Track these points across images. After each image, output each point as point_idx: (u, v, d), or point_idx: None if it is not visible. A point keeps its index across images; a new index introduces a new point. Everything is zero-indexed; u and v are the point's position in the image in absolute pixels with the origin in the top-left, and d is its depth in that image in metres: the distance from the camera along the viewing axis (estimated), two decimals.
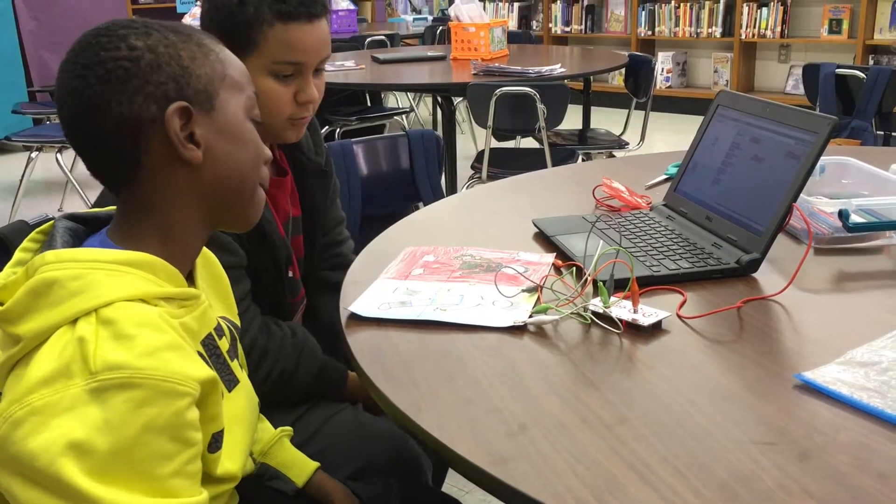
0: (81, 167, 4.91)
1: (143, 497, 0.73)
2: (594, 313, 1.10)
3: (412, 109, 5.97)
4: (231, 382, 0.93)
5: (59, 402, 0.72)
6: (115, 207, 0.91)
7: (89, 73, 0.83)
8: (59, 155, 4.36)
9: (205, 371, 0.81)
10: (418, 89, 5.63)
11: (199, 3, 5.97)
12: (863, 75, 3.28)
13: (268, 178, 0.96)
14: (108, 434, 0.72)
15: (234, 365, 0.96)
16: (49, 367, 0.74)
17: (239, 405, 0.94)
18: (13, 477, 0.73)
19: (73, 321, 0.77)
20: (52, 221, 0.89)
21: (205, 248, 1.03)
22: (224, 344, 0.95)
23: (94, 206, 1.13)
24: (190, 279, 0.94)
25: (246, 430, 0.97)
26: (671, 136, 6.07)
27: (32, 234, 0.90)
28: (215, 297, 1.03)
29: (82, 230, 0.91)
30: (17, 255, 0.87)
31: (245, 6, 1.26)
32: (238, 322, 1.07)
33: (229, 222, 0.95)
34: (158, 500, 0.74)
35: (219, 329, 0.95)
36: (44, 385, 0.73)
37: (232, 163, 0.89)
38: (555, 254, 1.33)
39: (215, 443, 0.85)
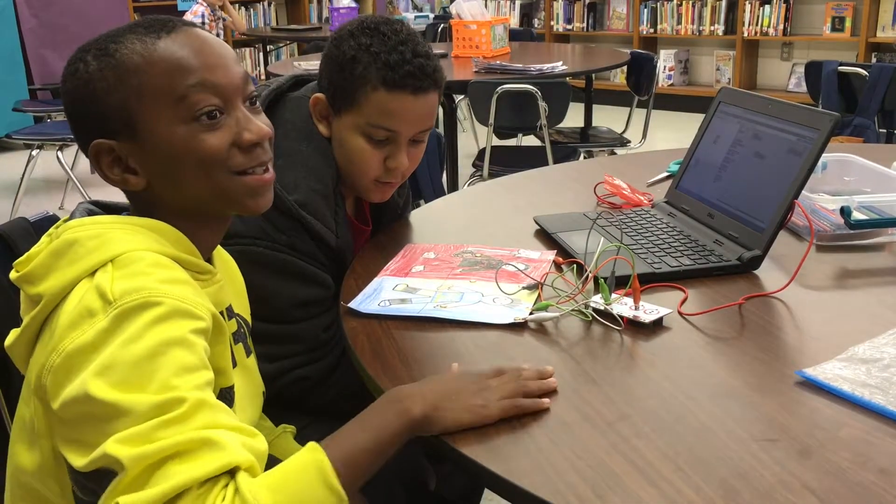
0: (82, 165, 4.94)
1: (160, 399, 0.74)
2: (595, 310, 1.09)
3: None
4: (231, 362, 0.94)
5: (87, 340, 0.75)
6: None
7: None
8: (59, 153, 4.36)
9: (213, 307, 0.84)
10: None
11: (200, 1, 5.97)
12: (865, 73, 3.27)
13: (244, 163, 0.88)
14: (129, 347, 0.74)
15: (238, 348, 0.98)
16: (73, 313, 0.77)
17: (237, 384, 0.95)
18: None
19: (92, 273, 0.80)
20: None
21: (224, 251, 1.05)
22: (232, 325, 0.96)
23: None
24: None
25: (243, 411, 0.97)
26: (673, 134, 6.06)
27: (60, 221, 0.91)
28: (231, 294, 1.03)
29: (103, 214, 0.92)
30: (44, 238, 0.89)
31: (355, 64, 1.25)
32: (249, 320, 1.08)
33: (230, 211, 0.94)
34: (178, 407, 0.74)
35: (229, 311, 0.97)
36: (71, 329, 0.77)
37: (178, 178, 0.87)
38: (556, 251, 1.33)
39: (224, 399, 0.86)
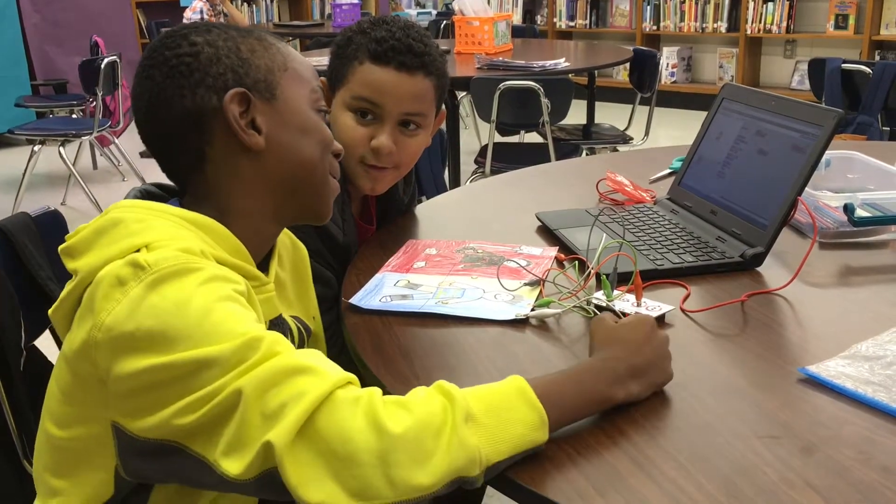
0: (84, 161, 4.94)
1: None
2: (597, 307, 1.09)
3: None
4: None
5: (122, 310, 0.74)
6: None
7: (155, 71, 0.88)
8: (61, 148, 4.37)
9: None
10: None
11: None
12: (869, 70, 3.26)
13: (338, 170, 0.97)
14: (181, 310, 0.73)
15: None
16: (105, 286, 0.76)
17: None
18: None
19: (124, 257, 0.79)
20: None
21: (300, 243, 1.06)
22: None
23: None
24: (263, 270, 0.94)
25: None
26: (676, 131, 6.05)
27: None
28: (293, 292, 1.03)
29: (158, 193, 0.95)
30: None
31: (349, 43, 1.31)
32: (312, 326, 1.08)
33: (301, 215, 0.96)
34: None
35: (281, 322, 0.95)
36: (105, 301, 0.75)
37: (296, 151, 0.91)
38: (558, 247, 1.32)
39: None
